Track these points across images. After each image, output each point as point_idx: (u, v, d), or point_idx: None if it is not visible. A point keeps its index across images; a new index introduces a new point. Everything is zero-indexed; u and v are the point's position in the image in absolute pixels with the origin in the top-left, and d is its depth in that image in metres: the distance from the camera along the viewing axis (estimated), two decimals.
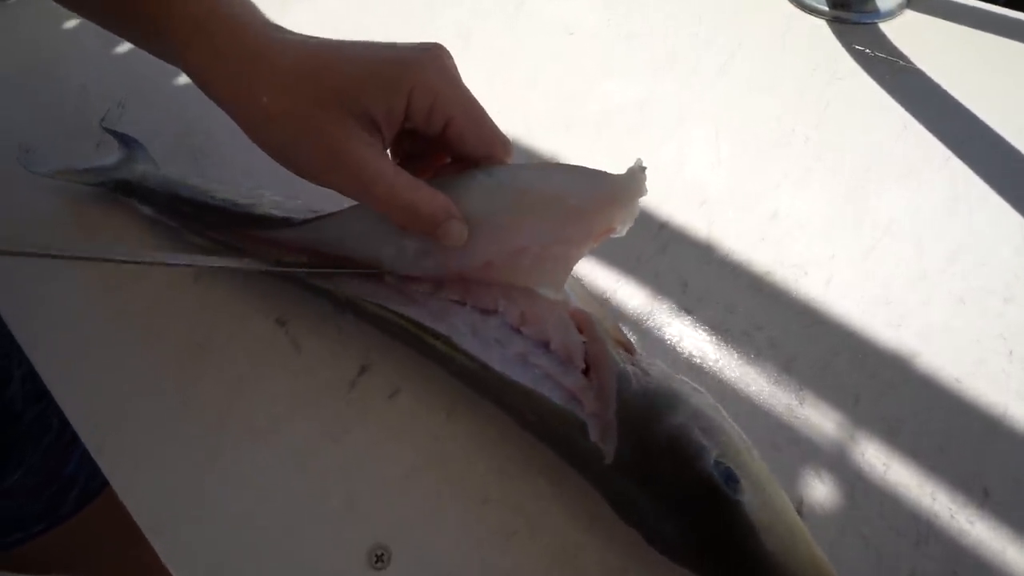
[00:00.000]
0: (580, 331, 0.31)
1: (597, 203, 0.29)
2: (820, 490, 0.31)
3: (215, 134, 0.48)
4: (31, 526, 0.52)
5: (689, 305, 0.37)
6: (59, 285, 0.40)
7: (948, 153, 0.44)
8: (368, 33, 0.31)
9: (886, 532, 0.29)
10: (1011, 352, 0.35)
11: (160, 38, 0.30)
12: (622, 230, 0.30)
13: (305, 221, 0.35)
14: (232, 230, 0.37)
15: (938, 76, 0.48)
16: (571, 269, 0.32)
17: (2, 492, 0.49)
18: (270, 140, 0.29)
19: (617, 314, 0.37)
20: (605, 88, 0.50)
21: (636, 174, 0.28)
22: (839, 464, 0.31)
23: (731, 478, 0.26)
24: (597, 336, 0.30)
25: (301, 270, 0.35)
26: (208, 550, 0.30)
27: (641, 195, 0.28)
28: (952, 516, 0.30)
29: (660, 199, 0.42)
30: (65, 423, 0.35)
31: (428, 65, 0.28)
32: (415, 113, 0.28)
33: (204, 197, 0.39)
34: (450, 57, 0.29)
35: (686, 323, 0.37)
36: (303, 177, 0.30)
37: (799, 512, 0.30)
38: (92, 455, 0.34)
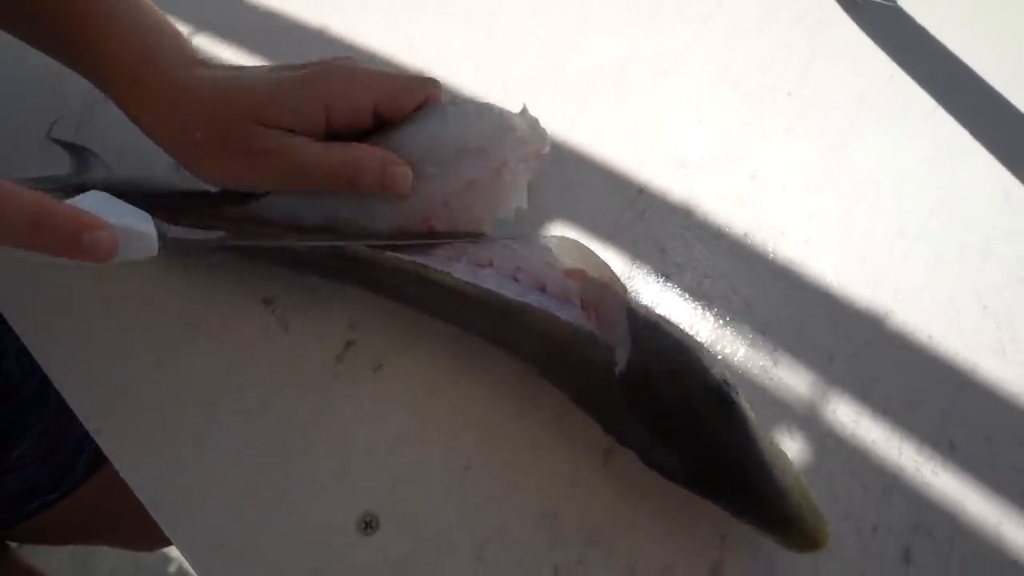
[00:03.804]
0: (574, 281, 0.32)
1: (514, 143, 0.33)
2: (791, 447, 0.32)
3: None
4: (45, 495, 0.54)
5: (667, 271, 0.38)
6: (51, 275, 0.41)
7: (934, 104, 0.43)
8: None
9: (854, 486, 0.31)
10: (985, 307, 0.35)
11: (94, 79, 0.34)
12: (547, 148, 0.34)
13: (263, 194, 0.35)
14: (207, 211, 0.37)
15: (927, 21, 0.47)
16: (525, 186, 0.34)
17: (13, 464, 0.51)
18: (208, 169, 0.32)
19: None
20: (586, 46, 0.49)
21: (529, 117, 0.34)
22: (810, 422, 0.32)
23: (733, 390, 0.27)
24: (594, 280, 0.31)
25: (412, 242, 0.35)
26: (208, 522, 0.32)
27: (545, 140, 0.34)
28: (917, 469, 0.31)
29: (639, 163, 0.42)
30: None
31: (334, 78, 0.31)
32: (342, 118, 0.31)
33: (175, 187, 0.38)
34: (348, 59, 0.32)
35: (663, 288, 0.37)
36: (249, 190, 0.34)
37: None
38: (93, 436, 0.35)
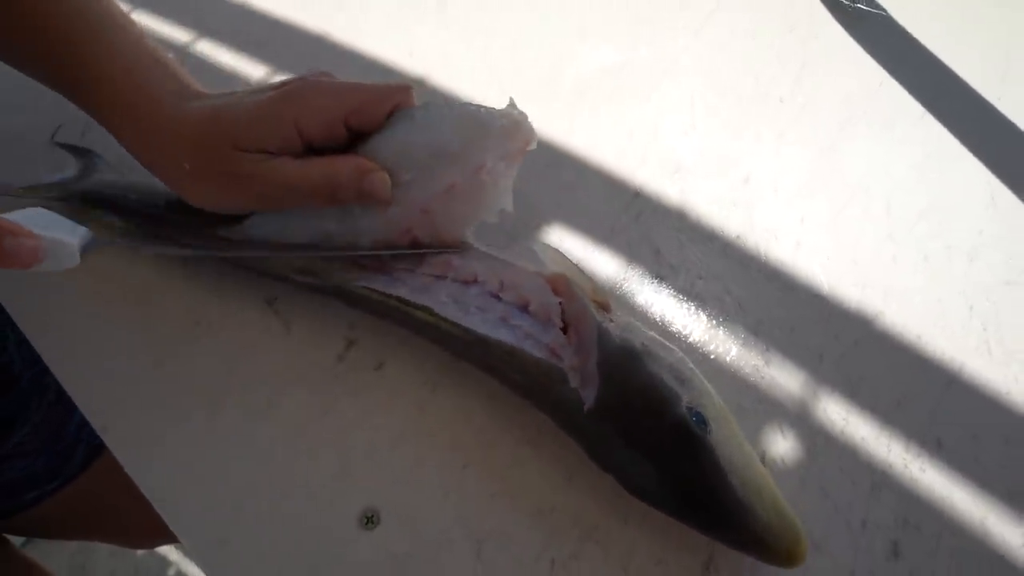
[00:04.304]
0: (557, 293, 0.32)
1: (492, 142, 0.32)
2: (782, 445, 0.33)
3: None
4: (44, 484, 0.54)
5: (661, 272, 0.38)
6: (54, 275, 0.41)
7: (922, 110, 0.44)
8: None
9: (843, 482, 0.31)
10: (971, 308, 0.36)
11: (85, 106, 0.35)
12: (533, 144, 0.32)
13: (248, 215, 0.36)
14: (193, 232, 0.38)
15: (917, 30, 0.48)
16: (510, 186, 0.33)
17: (12, 451, 0.51)
18: (196, 195, 0.33)
19: None
20: (583, 52, 0.50)
21: (512, 113, 0.32)
22: (801, 420, 0.33)
23: (701, 420, 0.28)
24: (575, 295, 0.32)
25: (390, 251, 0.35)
26: (212, 517, 0.33)
27: (529, 136, 0.32)
28: (906, 466, 0.32)
29: (635, 167, 0.43)
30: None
31: (305, 93, 0.31)
32: (315, 133, 0.31)
33: (168, 198, 0.38)
34: (325, 75, 0.32)
35: (658, 290, 0.38)
36: (234, 213, 0.35)
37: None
38: (99, 434, 0.36)
